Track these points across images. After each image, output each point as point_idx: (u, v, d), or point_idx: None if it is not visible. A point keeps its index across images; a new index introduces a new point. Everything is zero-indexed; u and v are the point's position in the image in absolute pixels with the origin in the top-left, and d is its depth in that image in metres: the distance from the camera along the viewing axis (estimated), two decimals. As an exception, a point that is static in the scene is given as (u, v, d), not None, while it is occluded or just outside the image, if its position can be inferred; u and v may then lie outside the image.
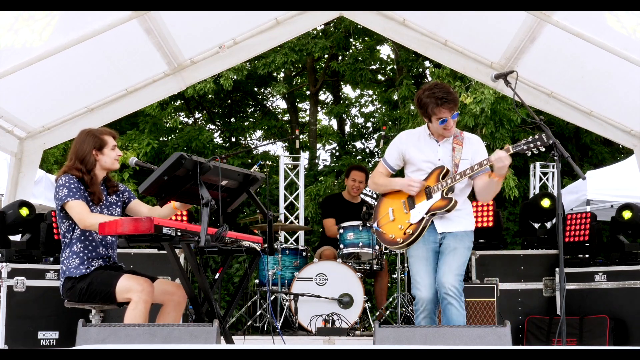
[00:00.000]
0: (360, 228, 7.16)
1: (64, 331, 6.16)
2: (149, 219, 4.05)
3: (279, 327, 6.85)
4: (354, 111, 16.70)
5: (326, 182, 13.42)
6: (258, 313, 7.40)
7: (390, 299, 7.71)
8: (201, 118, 16.89)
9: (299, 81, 16.54)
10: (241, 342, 5.54)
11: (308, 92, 16.07)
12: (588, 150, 13.72)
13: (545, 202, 7.25)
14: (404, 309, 7.35)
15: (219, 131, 16.53)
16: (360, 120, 16.51)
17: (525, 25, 6.14)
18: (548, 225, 7.43)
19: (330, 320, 6.68)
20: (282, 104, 17.33)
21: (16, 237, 6.46)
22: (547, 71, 6.74)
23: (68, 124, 6.83)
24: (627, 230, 6.78)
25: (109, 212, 4.69)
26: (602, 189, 9.76)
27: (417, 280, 4.69)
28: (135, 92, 6.87)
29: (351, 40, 14.67)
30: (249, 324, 7.32)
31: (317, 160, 15.12)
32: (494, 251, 7.05)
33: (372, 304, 8.97)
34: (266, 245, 4.63)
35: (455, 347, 3.60)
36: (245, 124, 16.15)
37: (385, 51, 15.94)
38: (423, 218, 4.67)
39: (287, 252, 7.48)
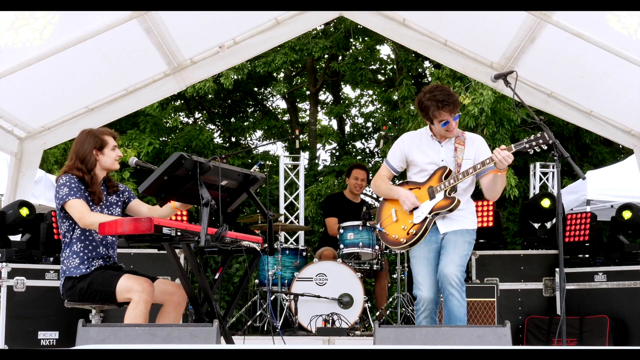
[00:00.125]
0: (360, 228, 7.15)
1: (64, 331, 6.16)
2: (149, 219, 4.05)
3: (279, 327, 6.85)
4: (354, 111, 16.73)
5: (326, 182, 13.42)
6: (258, 313, 7.39)
7: (390, 299, 7.71)
8: (201, 118, 16.89)
9: (299, 81, 16.54)
10: (241, 342, 5.53)
11: (308, 92, 16.07)
12: (588, 150, 13.71)
13: (545, 202, 7.25)
14: (404, 309, 7.35)
15: (219, 131, 16.53)
16: (360, 120, 16.53)
17: (525, 25, 6.14)
18: (548, 225, 7.42)
19: (330, 320, 6.68)
20: (282, 104, 17.35)
21: (16, 237, 6.46)
22: (547, 71, 6.73)
23: (68, 124, 6.83)
24: (627, 230, 6.78)
25: (109, 212, 4.69)
26: (602, 189, 9.75)
27: (419, 281, 4.71)
28: (135, 92, 6.86)
29: (351, 40, 14.66)
30: (249, 324, 7.32)
31: (317, 160, 15.11)
32: (494, 251, 7.05)
33: (372, 304, 8.97)
34: (266, 245, 4.63)
35: (455, 347, 3.61)
36: (245, 124, 16.14)
37: (385, 51, 15.96)
38: (426, 218, 4.68)
39: (287, 252, 7.48)
